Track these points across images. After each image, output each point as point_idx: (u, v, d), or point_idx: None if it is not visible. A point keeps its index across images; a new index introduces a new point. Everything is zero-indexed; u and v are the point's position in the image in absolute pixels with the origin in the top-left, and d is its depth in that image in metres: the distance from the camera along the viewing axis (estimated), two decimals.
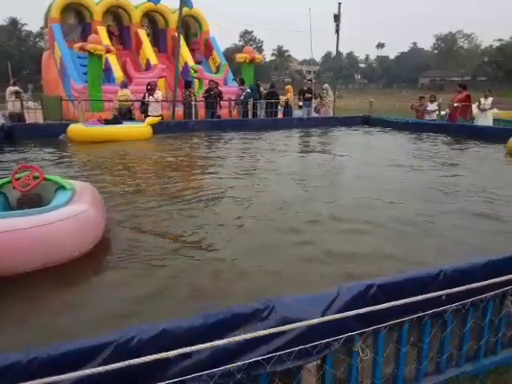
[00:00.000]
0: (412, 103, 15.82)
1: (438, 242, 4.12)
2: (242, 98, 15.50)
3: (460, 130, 12.43)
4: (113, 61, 16.75)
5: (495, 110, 15.87)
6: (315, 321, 1.80)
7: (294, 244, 4.05)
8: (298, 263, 3.64)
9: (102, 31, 17.57)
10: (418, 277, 2.19)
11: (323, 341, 1.84)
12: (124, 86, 13.69)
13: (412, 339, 2.26)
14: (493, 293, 2.39)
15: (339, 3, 18.53)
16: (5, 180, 4.22)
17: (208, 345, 1.61)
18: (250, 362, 1.74)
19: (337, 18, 18.78)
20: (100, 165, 8.02)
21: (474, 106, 13.31)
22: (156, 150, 9.96)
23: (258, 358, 1.73)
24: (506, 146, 9.42)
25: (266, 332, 1.67)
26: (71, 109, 14.92)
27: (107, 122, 11.11)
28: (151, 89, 12.84)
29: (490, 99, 13.03)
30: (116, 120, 11.29)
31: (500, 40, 63.37)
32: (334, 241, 4.18)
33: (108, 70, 16.47)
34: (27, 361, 1.44)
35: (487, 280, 2.39)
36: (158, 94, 13.13)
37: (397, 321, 2.10)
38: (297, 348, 1.80)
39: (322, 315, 1.90)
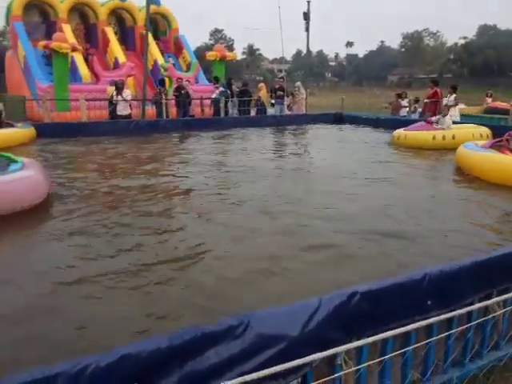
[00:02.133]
0: (385, 105, 16.10)
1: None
2: (215, 95, 15.21)
3: None
4: (79, 59, 16.23)
5: (462, 106, 16.16)
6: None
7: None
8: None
9: (67, 29, 17.00)
10: (402, 282, 2.05)
11: (306, 357, 1.66)
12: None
13: (396, 347, 2.13)
14: (478, 296, 2.28)
15: (308, 1, 18.57)
16: None
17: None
18: None
19: (306, 16, 18.81)
20: None
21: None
22: None
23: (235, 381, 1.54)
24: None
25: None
26: (36, 109, 14.38)
27: None
28: (119, 87, 12.47)
29: (454, 96, 13.16)
30: None
31: (465, 38, 65.03)
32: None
33: (74, 68, 15.96)
34: None
35: (473, 281, 2.29)
36: (127, 93, 12.76)
37: (383, 335, 1.95)
38: (277, 367, 1.62)
39: (303, 328, 1.73)
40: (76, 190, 5.80)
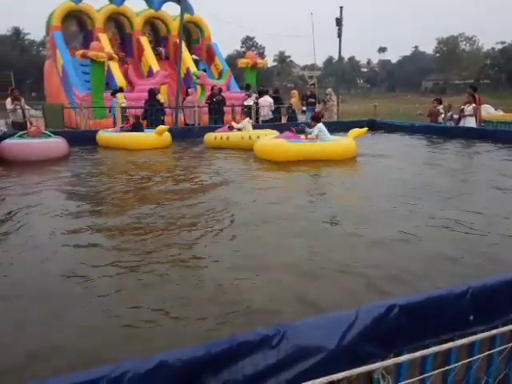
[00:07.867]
0: (419, 111, 15.86)
1: None
2: (251, 102, 15.18)
3: (466, 133, 12.28)
4: (114, 68, 16.68)
5: (500, 113, 15.75)
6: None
7: None
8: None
9: (104, 38, 17.52)
10: (444, 295, 1.98)
11: (344, 372, 1.62)
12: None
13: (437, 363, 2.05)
14: None
15: (341, 7, 18.45)
16: (22, 132, 9.99)
17: None
18: None
19: (339, 22, 18.66)
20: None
21: (483, 109, 13.06)
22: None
23: None
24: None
25: None
26: (73, 116, 14.83)
27: (123, 129, 11.38)
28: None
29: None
30: (135, 128, 11.21)
31: (502, 42, 63.17)
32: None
33: (110, 77, 16.40)
34: None
35: None
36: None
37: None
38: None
39: (340, 341, 1.69)
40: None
